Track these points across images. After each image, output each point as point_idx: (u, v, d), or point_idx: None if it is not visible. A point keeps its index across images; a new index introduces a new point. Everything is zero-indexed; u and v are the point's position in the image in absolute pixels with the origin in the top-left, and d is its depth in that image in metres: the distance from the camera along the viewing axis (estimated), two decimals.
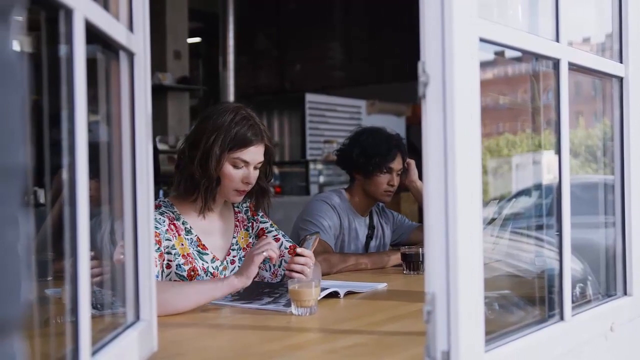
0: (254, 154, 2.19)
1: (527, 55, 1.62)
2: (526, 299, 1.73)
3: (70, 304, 1.02)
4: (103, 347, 1.17)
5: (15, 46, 0.57)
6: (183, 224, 2.21)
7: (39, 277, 1.42)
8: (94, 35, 1.12)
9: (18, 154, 0.55)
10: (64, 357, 1.02)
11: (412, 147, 4.51)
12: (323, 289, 2.03)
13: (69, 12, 1.00)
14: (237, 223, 2.36)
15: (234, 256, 2.31)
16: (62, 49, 1.03)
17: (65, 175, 1.02)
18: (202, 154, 2.14)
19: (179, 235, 2.17)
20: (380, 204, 3.21)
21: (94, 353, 1.09)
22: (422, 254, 2.65)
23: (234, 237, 2.33)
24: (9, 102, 0.54)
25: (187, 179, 2.19)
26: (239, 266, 2.28)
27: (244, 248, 2.34)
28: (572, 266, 1.58)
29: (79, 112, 1.02)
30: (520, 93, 2.08)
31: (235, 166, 2.18)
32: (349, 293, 2.17)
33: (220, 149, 2.14)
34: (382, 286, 2.34)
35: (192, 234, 2.21)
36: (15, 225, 0.56)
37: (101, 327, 1.31)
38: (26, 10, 0.64)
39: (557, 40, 1.53)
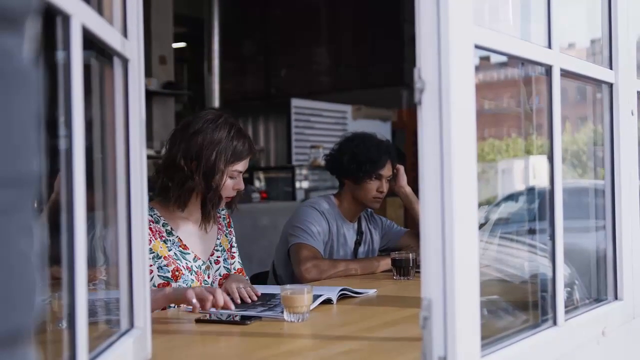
0: (246, 163, 2.32)
1: (514, 61, 1.63)
2: (518, 304, 1.74)
3: (67, 311, 1.01)
4: (99, 355, 1.16)
5: (29, 54, 0.57)
6: (163, 226, 2.27)
7: None
8: (88, 41, 1.11)
9: (32, 162, 0.55)
10: None
11: (398, 152, 4.51)
12: (316, 297, 2.03)
13: (66, 18, 1.00)
14: (220, 226, 2.44)
15: (217, 256, 2.39)
16: (59, 55, 1.02)
17: (62, 181, 1.01)
18: (205, 169, 2.22)
19: (156, 239, 2.23)
20: (369, 210, 3.21)
21: None
22: (412, 260, 2.66)
23: (218, 239, 2.41)
24: (25, 110, 0.54)
25: (187, 192, 2.24)
26: (223, 266, 2.38)
27: (227, 250, 2.43)
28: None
29: (76, 118, 1.01)
30: (506, 98, 2.10)
31: (231, 177, 2.28)
32: (342, 297, 2.17)
33: (224, 165, 2.24)
34: (372, 292, 2.35)
35: (173, 235, 2.27)
36: (29, 233, 0.56)
37: (95, 334, 1.30)
38: (39, 17, 0.64)
39: (549, 46, 1.54)
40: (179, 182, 2.23)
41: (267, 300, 2.12)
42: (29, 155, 0.55)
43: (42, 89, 0.59)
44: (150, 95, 7.36)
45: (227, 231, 2.47)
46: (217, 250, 2.39)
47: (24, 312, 0.56)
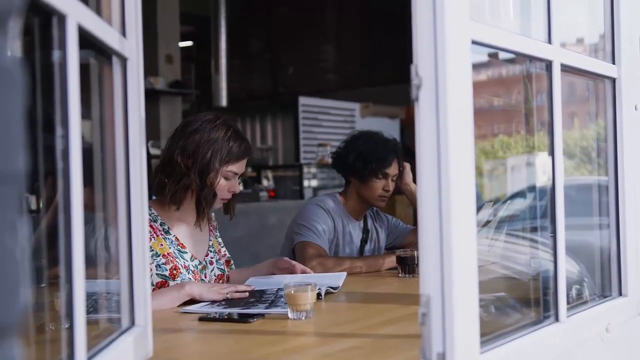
0: (243, 166, 2.35)
1: (520, 57, 1.62)
2: (521, 301, 1.73)
3: (65, 309, 1.02)
4: (98, 353, 1.17)
5: (13, 52, 0.57)
6: (161, 225, 2.30)
7: (33, 284, 1.41)
8: (86, 40, 1.12)
9: (17, 160, 0.56)
10: None
11: (407, 150, 4.52)
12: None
13: (62, 18, 1.00)
14: (211, 228, 2.50)
15: (211, 257, 2.44)
16: (55, 54, 1.02)
17: (59, 181, 1.01)
18: (200, 167, 2.26)
19: (157, 236, 2.27)
20: (375, 208, 3.20)
21: (89, 359, 1.09)
22: (417, 257, 2.65)
23: (210, 240, 2.46)
24: (8, 108, 0.54)
25: (182, 189, 2.27)
26: (217, 267, 2.43)
27: (217, 252, 2.47)
28: (568, 268, 1.59)
29: (72, 118, 1.02)
30: (515, 94, 2.09)
31: (226, 178, 2.31)
32: (328, 293, 2.21)
33: (219, 164, 2.27)
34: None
35: (170, 234, 2.31)
36: (14, 230, 0.56)
37: (96, 332, 1.31)
38: (23, 16, 0.64)
39: (550, 41, 1.53)
40: (175, 179, 2.26)
41: (260, 297, 2.12)
42: (14, 152, 0.56)
43: (26, 87, 0.60)
44: (157, 94, 7.36)
45: (216, 234, 2.52)
46: (210, 252, 2.44)
47: (9, 308, 0.56)
